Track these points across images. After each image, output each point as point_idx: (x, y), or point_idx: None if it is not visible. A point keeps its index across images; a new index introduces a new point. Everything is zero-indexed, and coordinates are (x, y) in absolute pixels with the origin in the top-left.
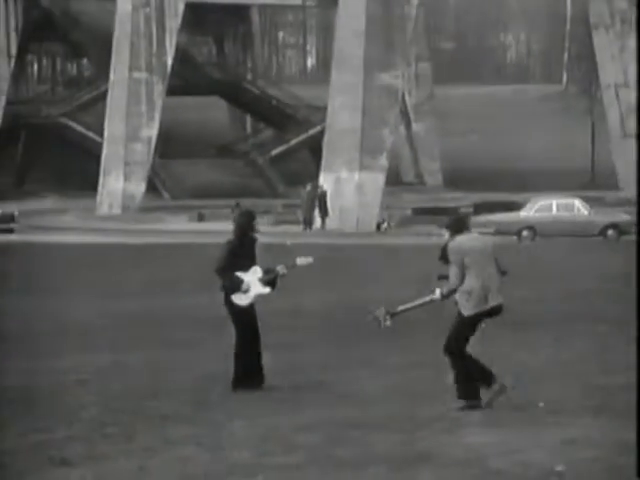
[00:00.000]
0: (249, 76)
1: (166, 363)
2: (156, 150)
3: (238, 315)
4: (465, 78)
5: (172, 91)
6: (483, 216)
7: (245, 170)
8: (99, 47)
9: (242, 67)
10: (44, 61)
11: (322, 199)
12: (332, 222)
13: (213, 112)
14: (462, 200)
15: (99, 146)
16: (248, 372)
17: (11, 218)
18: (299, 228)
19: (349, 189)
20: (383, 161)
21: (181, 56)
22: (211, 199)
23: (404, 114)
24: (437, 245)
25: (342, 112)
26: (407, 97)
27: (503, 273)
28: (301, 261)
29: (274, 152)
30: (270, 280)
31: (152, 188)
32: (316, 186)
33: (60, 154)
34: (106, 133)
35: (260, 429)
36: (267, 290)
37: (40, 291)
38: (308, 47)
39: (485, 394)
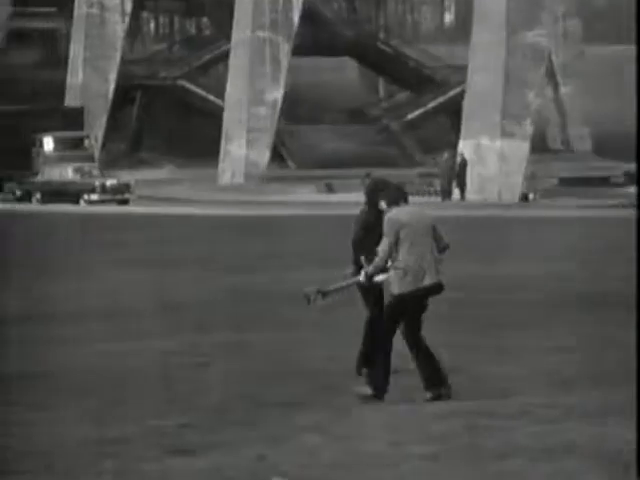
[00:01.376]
0: (382, 34)
1: (288, 344)
2: (281, 115)
3: (370, 292)
4: (618, 36)
5: (299, 51)
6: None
7: (377, 137)
8: (220, 4)
9: (374, 25)
10: (161, 19)
11: (461, 168)
12: (472, 193)
13: (343, 74)
14: (613, 169)
15: (220, 110)
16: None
17: (127, 188)
18: (436, 199)
19: (490, 157)
20: (527, 127)
21: (308, 13)
22: (340, 169)
23: (551, 75)
24: (588, 218)
25: (482, 73)
26: (554, 57)
27: (443, 249)
28: None
29: (409, 117)
30: None
31: (277, 156)
32: (455, 154)
33: (178, 119)
34: (227, 96)
35: (390, 416)
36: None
37: (153, 265)
38: (446, 2)
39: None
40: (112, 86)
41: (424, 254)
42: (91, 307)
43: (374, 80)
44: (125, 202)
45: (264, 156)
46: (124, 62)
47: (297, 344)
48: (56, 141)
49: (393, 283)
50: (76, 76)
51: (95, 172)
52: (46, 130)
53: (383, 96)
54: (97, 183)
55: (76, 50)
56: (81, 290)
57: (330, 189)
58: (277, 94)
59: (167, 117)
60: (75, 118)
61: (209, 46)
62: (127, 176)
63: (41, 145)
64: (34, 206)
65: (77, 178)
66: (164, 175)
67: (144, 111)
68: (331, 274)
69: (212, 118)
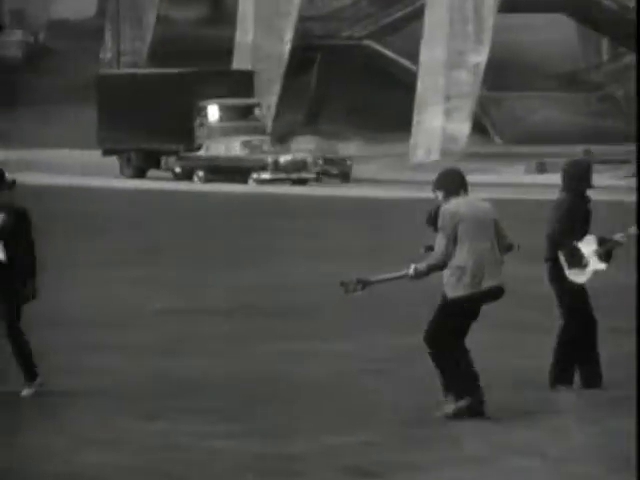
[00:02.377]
0: None
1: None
2: (485, 81)
3: (570, 295)
4: None
5: (506, 6)
6: None
7: (598, 107)
8: None
9: None
10: None
11: None
12: None
13: (557, 33)
14: None
15: (413, 76)
16: (581, 366)
17: (304, 165)
18: None
19: None
20: None
21: None
22: (554, 144)
23: None
24: None
25: None
26: None
27: (509, 248)
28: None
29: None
30: (607, 252)
31: (479, 129)
32: None
33: (363, 85)
34: (422, 59)
35: (605, 437)
36: (603, 266)
37: (318, 254)
38: None
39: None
40: (287, 47)
41: (488, 252)
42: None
43: (596, 41)
44: (302, 182)
45: (464, 129)
46: (302, 19)
47: (492, 347)
48: (222, 110)
49: (451, 286)
50: (245, 35)
51: (267, 146)
52: (211, 97)
53: (607, 59)
54: (269, 159)
55: (246, 5)
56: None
57: (542, 169)
58: (480, 57)
59: (350, 83)
60: (244, 83)
61: (401, 1)
62: (304, 151)
63: (205, 114)
64: (196, 185)
65: (246, 153)
66: (350, 151)
67: (324, 76)
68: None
69: (403, 84)
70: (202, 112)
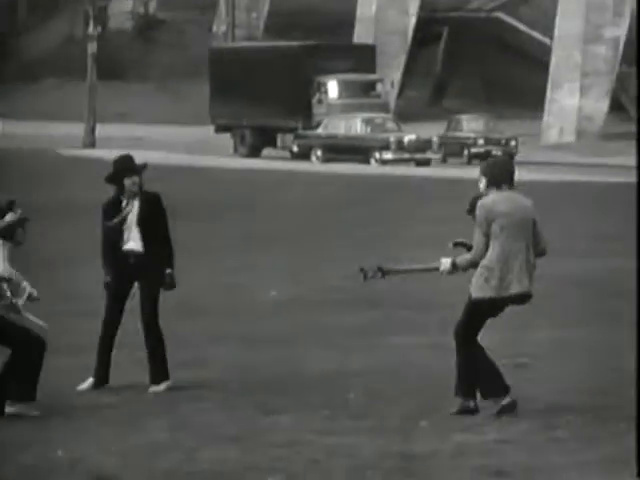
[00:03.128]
0: None
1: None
2: (624, 56)
3: None
4: None
5: None
6: None
7: None
8: None
9: None
10: None
11: None
12: None
13: None
14: None
15: (547, 50)
16: None
17: (428, 145)
18: None
19: None
20: None
21: None
22: None
23: None
24: None
25: None
26: None
27: (542, 253)
28: None
29: None
30: None
31: (617, 107)
32: None
33: (493, 60)
34: (557, 32)
35: None
36: None
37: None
38: None
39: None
40: (412, 20)
41: (520, 253)
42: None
43: None
44: (426, 163)
45: (601, 107)
46: None
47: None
48: (342, 86)
49: (476, 285)
50: (368, 7)
51: (389, 125)
52: (330, 72)
53: None
54: (392, 138)
55: None
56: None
57: None
58: (619, 30)
59: (479, 58)
60: (366, 58)
61: None
62: (429, 130)
63: (324, 90)
64: (314, 166)
65: (367, 132)
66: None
67: (451, 50)
68: None
69: (535, 59)
70: (321, 88)
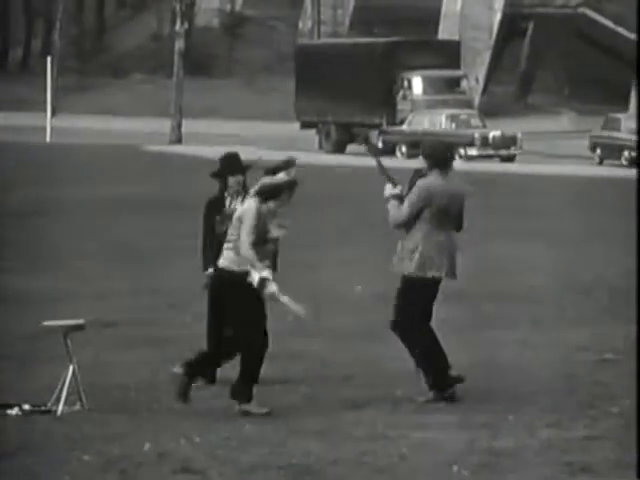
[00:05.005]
0: None
1: None
2: None
3: None
4: None
5: None
6: None
7: None
8: None
9: None
10: None
11: None
12: None
13: None
14: None
15: (633, 46)
16: None
17: (513, 142)
18: None
19: None
20: None
21: None
22: None
23: None
24: None
25: None
26: None
27: (459, 228)
28: None
29: None
30: None
31: None
32: None
33: (579, 56)
34: None
35: None
36: None
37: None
38: None
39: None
40: (498, 16)
41: (441, 240)
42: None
43: None
44: (511, 159)
45: None
46: None
47: None
48: (426, 82)
49: (401, 264)
50: (454, 3)
51: (474, 121)
52: (415, 68)
53: None
54: (477, 135)
55: None
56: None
57: None
58: None
59: (564, 54)
60: (450, 54)
61: None
62: (514, 126)
63: (408, 86)
64: (398, 161)
65: (452, 128)
66: (560, 126)
67: (536, 46)
68: None
69: (621, 55)
70: (405, 84)
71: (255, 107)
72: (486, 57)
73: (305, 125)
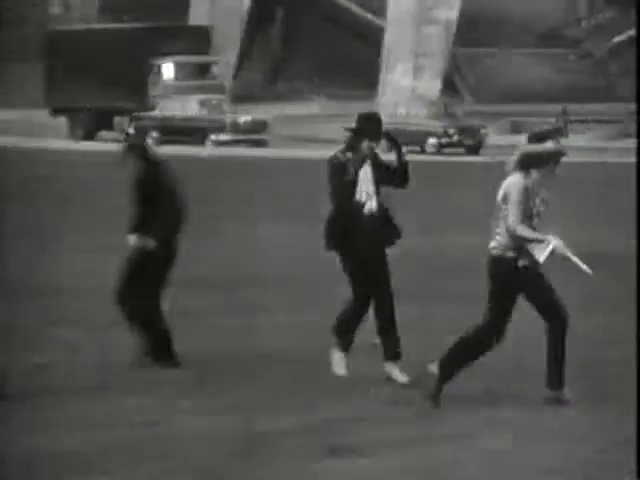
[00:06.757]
0: None
1: None
2: (457, 37)
3: None
4: None
5: None
6: None
7: (577, 64)
8: None
9: None
10: None
11: None
12: None
13: None
14: None
15: (379, 31)
16: None
17: (262, 126)
18: None
19: None
20: None
21: None
22: (529, 103)
23: None
24: None
25: None
26: None
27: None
28: None
29: (616, 39)
30: None
31: (450, 87)
32: None
33: (328, 41)
34: (390, 14)
35: None
36: None
37: (304, 221)
38: None
39: None
40: (247, 1)
41: None
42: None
43: None
44: (262, 144)
45: (434, 87)
46: None
47: None
48: (177, 68)
49: None
50: None
51: (225, 106)
52: (166, 54)
53: (585, 13)
54: (228, 120)
55: None
56: (208, 253)
57: (515, 128)
58: (452, 11)
59: (315, 40)
60: (201, 40)
61: None
62: (264, 111)
63: (159, 72)
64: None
65: (203, 113)
66: (312, 110)
67: (286, 32)
68: None
69: (370, 41)
70: (157, 70)
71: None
72: (237, 43)
73: (55, 111)
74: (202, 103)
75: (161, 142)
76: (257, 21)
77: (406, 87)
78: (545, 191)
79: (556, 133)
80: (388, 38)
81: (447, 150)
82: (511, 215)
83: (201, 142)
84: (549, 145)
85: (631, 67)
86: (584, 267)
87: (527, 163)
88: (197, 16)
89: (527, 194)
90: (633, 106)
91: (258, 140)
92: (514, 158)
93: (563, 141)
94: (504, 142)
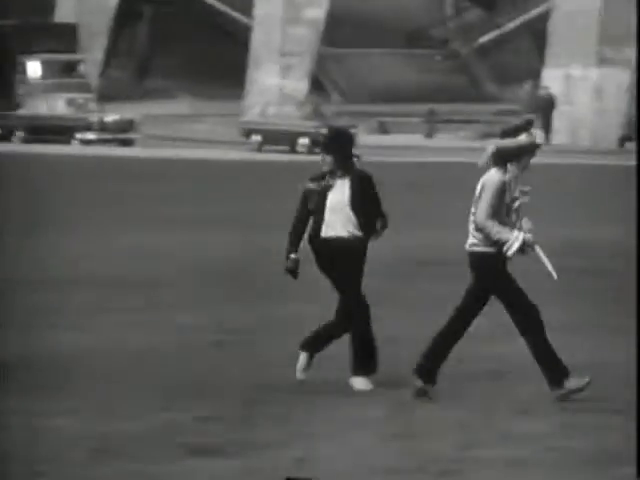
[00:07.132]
0: None
1: None
2: (324, 37)
3: None
4: None
5: None
6: None
7: (443, 64)
8: None
9: None
10: None
11: (546, 104)
12: (559, 135)
13: None
14: None
15: (246, 30)
16: None
17: (129, 125)
18: None
19: (583, 91)
20: (630, 53)
21: None
22: (397, 103)
23: None
24: None
25: None
26: None
27: None
28: None
29: (482, 40)
30: None
31: (318, 87)
32: (537, 86)
33: (195, 40)
34: (257, 13)
35: None
36: None
37: (169, 225)
38: None
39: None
40: None
41: None
42: (90, 275)
43: None
44: (129, 143)
45: (302, 87)
46: None
47: None
48: (44, 66)
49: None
50: None
51: (92, 105)
52: (32, 52)
53: (451, 14)
54: (94, 119)
55: None
56: (75, 254)
57: (383, 129)
58: (318, 11)
59: (183, 38)
60: (67, 38)
61: None
62: (132, 110)
63: (25, 71)
64: (15, 146)
65: (69, 112)
66: (180, 109)
67: (153, 30)
68: None
69: (238, 40)
70: (22, 68)
71: None
72: (104, 40)
73: None
74: (69, 102)
75: (25, 141)
76: (124, 18)
77: (273, 86)
78: (522, 185)
79: (528, 126)
80: (255, 37)
81: (318, 150)
82: (480, 210)
83: (68, 141)
84: (522, 139)
85: (496, 67)
86: (550, 268)
87: (502, 158)
88: (64, 13)
89: (503, 190)
90: (499, 106)
91: (125, 139)
92: (487, 154)
93: (429, 141)
94: (373, 142)
